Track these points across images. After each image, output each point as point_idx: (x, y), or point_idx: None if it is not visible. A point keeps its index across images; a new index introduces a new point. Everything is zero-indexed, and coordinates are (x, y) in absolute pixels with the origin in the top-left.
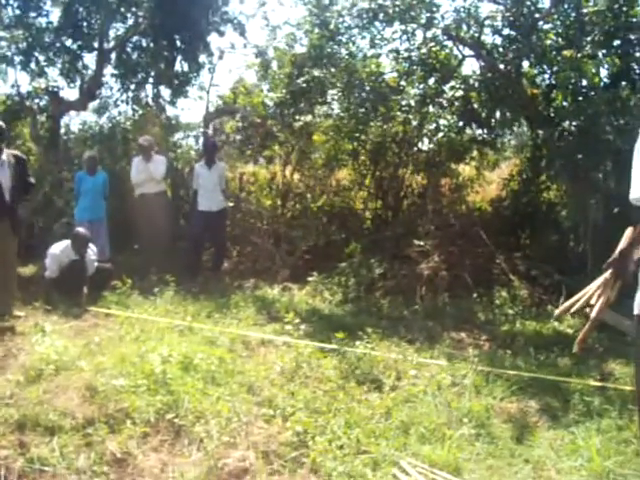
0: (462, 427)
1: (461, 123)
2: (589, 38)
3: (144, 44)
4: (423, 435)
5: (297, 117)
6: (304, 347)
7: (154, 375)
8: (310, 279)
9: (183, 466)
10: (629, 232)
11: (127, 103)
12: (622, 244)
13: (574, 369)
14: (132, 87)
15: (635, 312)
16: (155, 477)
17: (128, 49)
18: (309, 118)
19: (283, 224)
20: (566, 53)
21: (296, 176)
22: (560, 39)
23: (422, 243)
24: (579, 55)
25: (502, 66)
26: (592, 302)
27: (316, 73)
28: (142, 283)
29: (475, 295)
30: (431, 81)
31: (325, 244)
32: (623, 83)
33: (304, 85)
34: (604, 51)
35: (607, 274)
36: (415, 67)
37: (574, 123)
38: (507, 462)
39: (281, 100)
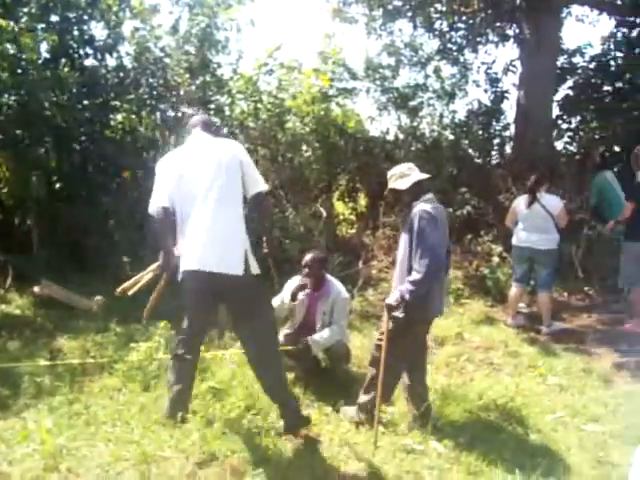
0: None
1: None
2: (26, 10)
3: None
4: None
5: None
6: None
7: None
8: None
9: None
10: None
11: None
12: (164, 242)
13: (24, 351)
14: None
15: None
16: None
17: None
18: None
19: None
20: (2, 23)
21: None
22: None
23: None
24: (17, 27)
25: None
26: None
27: None
28: None
29: None
30: None
31: None
32: (63, 60)
33: None
34: (43, 26)
35: (154, 266)
36: None
37: (13, 97)
38: None
39: None
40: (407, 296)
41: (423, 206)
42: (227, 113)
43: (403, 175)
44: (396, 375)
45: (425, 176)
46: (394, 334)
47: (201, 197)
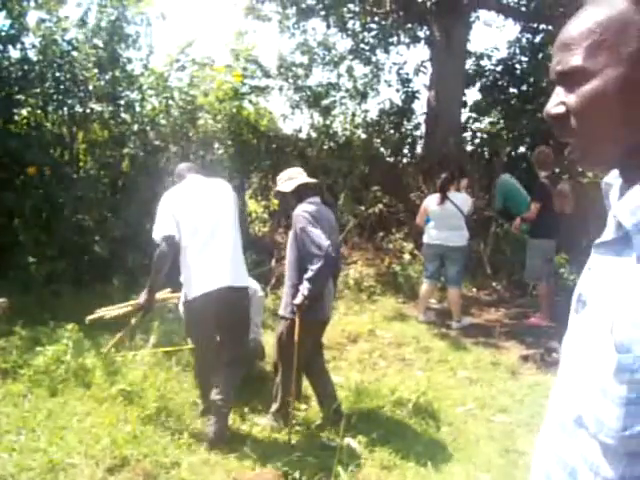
0: None
1: None
2: None
3: None
4: None
5: None
6: None
7: None
8: None
9: None
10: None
11: None
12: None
13: None
14: None
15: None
16: None
17: None
18: None
19: None
20: None
21: None
22: None
23: None
24: None
25: None
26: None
27: None
28: None
29: None
30: None
31: None
32: None
33: None
34: None
35: (133, 302)
36: None
37: None
38: None
39: None
40: (306, 292)
41: (303, 207)
42: (137, 109)
43: (290, 178)
44: (299, 376)
45: (310, 180)
46: (291, 336)
47: (210, 230)
